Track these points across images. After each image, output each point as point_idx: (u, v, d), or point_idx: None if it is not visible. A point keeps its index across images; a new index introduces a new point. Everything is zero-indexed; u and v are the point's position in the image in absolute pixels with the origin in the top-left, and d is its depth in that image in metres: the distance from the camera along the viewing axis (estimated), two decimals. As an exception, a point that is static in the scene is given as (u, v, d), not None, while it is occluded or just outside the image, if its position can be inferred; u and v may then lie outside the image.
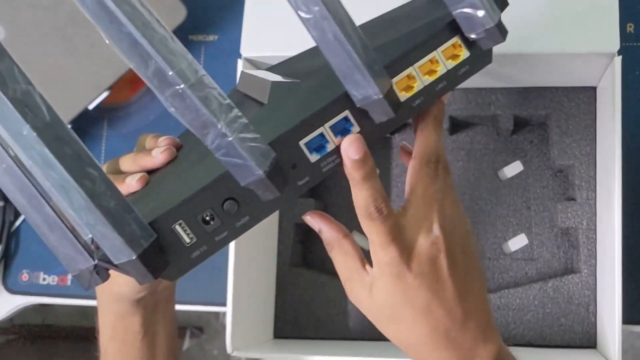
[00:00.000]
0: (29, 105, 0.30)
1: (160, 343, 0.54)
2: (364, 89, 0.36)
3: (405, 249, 0.39)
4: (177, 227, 0.36)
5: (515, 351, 0.57)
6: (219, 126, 0.32)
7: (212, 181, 0.36)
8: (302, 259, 0.75)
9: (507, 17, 0.59)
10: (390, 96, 0.37)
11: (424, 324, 0.40)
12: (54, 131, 0.31)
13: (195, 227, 0.36)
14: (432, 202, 0.40)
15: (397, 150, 0.74)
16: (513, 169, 0.72)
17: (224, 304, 0.63)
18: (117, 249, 0.33)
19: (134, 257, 0.33)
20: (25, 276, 0.80)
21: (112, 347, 0.52)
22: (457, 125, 0.73)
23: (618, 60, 0.59)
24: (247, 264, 0.65)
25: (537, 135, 0.73)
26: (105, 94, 0.74)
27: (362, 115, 0.38)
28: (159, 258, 0.35)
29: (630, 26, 0.75)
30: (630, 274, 0.68)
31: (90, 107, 0.74)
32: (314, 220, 0.43)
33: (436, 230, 0.40)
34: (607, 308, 0.63)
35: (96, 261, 0.35)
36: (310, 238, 0.75)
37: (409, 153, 0.44)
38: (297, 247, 0.74)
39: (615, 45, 0.59)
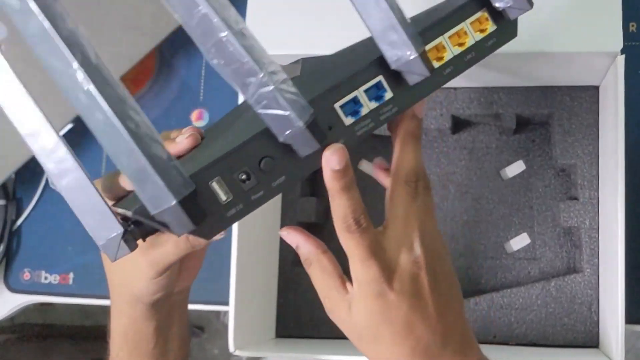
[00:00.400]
0: (78, 45, 0.30)
1: (172, 349, 0.53)
2: (399, 48, 0.37)
3: (386, 267, 0.39)
4: (214, 184, 0.35)
5: (517, 350, 0.57)
6: (261, 75, 0.32)
7: (249, 138, 0.36)
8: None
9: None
10: (424, 57, 0.38)
11: (404, 343, 0.39)
12: (99, 72, 0.31)
13: (232, 184, 0.36)
14: (412, 220, 0.40)
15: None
16: (515, 168, 0.72)
17: (225, 303, 0.63)
18: (157, 195, 0.32)
19: (174, 203, 0.32)
20: (26, 275, 0.80)
21: (124, 352, 0.51)
22: (459, 124, 0.73)
23: (621, 59, 0.59)
24: (249, 263, 0.65)
25: (540, 134, 0.73)
26: (107, 93, 0.74)
27: (395, 81, 0.39)
28: (198, 208, 0.34)
29: (632, 25, 0.75)
30: (632, 273, 0.68)
31: (92, 105, 0.74)
32: (290, 236, 0.42)
33: (417, 248, 0.39)
34: (610, 307, 0.63)
35: (127, 228, 0.35)
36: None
37: (385, 170, 0.44)
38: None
39: (618, 44, 0.59)
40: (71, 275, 0.79)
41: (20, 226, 0.81)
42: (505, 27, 0.43)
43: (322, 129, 0.37)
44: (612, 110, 0.61)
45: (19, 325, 1.30)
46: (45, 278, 0.79)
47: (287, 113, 0.34)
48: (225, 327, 0.72)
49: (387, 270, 0.39)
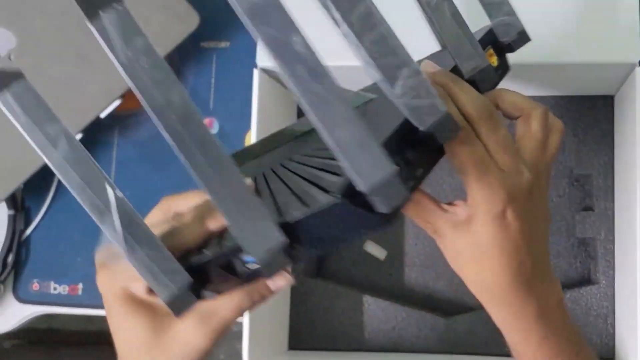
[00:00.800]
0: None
1: None
2: (473, 59, 0.41)
3: (506, 187, 0.38)
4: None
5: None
6: (412, 65, 0.32)
7: (393, 131, 0.34)
8: (317, 269, 0.74)
9: (527, 26, 0.59)
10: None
11: (510, 266, 0.39)
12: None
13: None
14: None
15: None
16: (529, 178, 0.72)
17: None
18: (375, 165, 0.30)
19: (394, 170, 0.30)
20: (35, 285, 0.79)
21: None
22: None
23: (639, 70, 0.59)
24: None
25: (554, 143, 0.72)
26: (117, 102, 0.73)
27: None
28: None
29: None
30: (649, 285, 0.67)
31: (102, 115, 0.73)
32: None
33: (526, 171, 0.39)
34: (627, 320, 0.62)
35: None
36: (324, 247, 0.74)
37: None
38: (311, 258, 0.73)
39: (637, 55, 0.58)
40: (80, 285, 0.79)
41: (29, 236, 0.80)
42: (504, 63, 0.46)
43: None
44: (630, 122, 0.61)
45: (25, 331, 1.29)
46: (55, 288, 0.79)
47: (434, 100, 0.33)
48: (231, 331, 0.73)
49: (508, 192, 0.38)
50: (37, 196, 0.80)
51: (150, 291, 0.39)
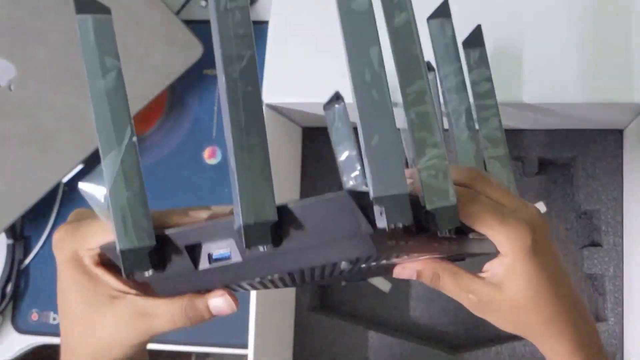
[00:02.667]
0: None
1: None
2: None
3: (526, 223, 0.38)
4: None
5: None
6: (443, 148, 0.35)
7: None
8: (321, 302, 0.73)
9: (535, 65, 0.58)
10: None
11: (563, 301, 0.40)
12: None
13: None
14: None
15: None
16: (536, 210, 0.71)
17: (244, 346, 0.62)
18: (393, 179, 0.32)
19: (406, 191, 0.32)
20: (34, 316, 0.78)
21: None
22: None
23: (650, 109, 0.58)
24: (267, 309, 0.64)
25: (561, 175, 0.71)
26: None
27: None
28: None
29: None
30: (658, 322, 0.67)
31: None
32: (407, 270, 0.40)
33: (529, 204, 0.40)
34: (636, 358, 0.62)
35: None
36: (328, 280, 0.73)
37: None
38: (315, 291, 0.72)
39: (647, 95, 0.57)
40: (80, 315, 0.77)
41: (27, 266, 0.79)
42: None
43: None
44: (639, 156, 0.60)
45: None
46: (54, 319, 0.78)
47: (449, 188, 0.35)
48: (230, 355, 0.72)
49: (528, 223, 0.38)
50: (37, 225, 0.79)
51: (99, 264, 0.39)
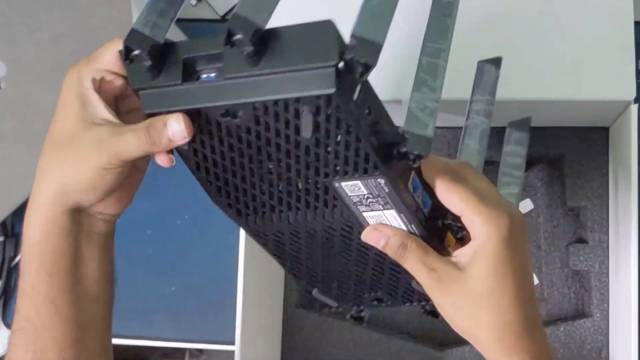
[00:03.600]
0: None
1: (94, 281, 0.43)
2: None
3: (504, 212, 0.39)
4: None
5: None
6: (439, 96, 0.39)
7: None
8: (309, 299, 0.73)
9: (523, 62, 0.59)
10: None
11: (525, 292, 0.39)
12: None
13: None
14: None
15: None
16: (523, 207, 0.71)
17: (230, 343, 0.62)
18: (376, 30, 0.34)
19: (383, 42, 0.34)
20: (25, 312, 0.78)
21: (40, 278, 0.41)
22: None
23: (634, 108, 0.58)
24: (254, 304, 0.64)
25: (547, 173, 0.72)
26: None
27: None
28: None
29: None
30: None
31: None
32: (376, 232, 0.41)
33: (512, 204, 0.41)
34: (621, 353, 0.62)
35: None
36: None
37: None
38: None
39: (631, 93, 0.58)
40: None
41: (18, 263, 0.79)
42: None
43: None
44: (625, 156, 0.61)
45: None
46: (45, 315, 0.78)
47: (430, 122, 0.38)
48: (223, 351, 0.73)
49: (508, 214, 0.39)
50: (27, 222, 0.79)
51: (97, 90, 0.41)
